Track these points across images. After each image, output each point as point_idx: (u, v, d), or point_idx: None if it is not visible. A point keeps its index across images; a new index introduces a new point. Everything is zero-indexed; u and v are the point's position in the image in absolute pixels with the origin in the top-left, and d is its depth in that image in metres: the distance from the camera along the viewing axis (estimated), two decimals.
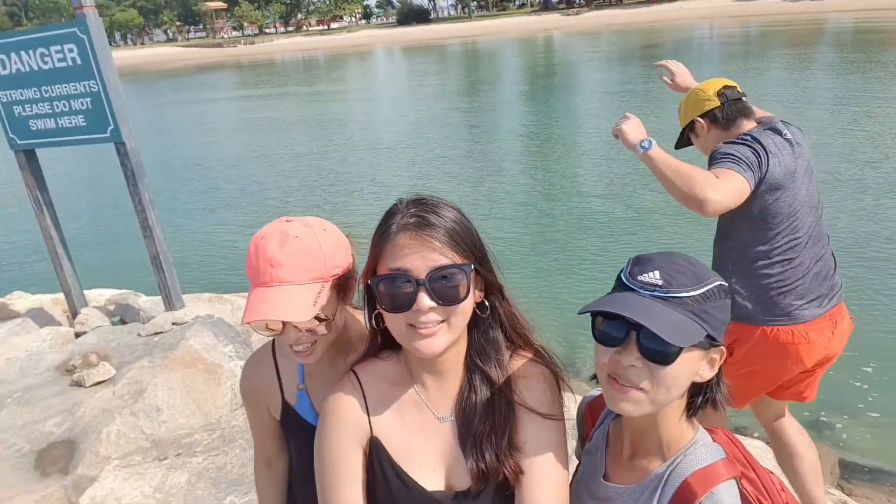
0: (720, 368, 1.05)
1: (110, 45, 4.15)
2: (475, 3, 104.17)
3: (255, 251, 1.15)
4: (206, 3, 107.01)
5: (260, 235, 1.17)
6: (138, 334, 4.39)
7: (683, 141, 2.55)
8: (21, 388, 3.73)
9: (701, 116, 2.35)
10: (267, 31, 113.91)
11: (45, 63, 4.07)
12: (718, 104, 2.30)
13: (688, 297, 0.95)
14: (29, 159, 4.50)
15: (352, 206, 10.34)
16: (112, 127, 4.11)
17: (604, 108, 16.98)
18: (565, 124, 15.56)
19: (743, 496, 1.03)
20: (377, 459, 1.13)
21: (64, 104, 4.14)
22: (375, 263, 1.08)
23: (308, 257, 1.14)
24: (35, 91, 4.18)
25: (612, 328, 0.99)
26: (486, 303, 1.13)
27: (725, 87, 2.33)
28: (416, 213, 1.05)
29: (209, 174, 13.94)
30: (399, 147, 14.66)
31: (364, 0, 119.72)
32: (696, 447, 1.05)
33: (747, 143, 2.19)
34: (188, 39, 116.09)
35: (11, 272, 8.74)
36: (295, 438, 1.37)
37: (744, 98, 2.35)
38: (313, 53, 67.48)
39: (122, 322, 4.97)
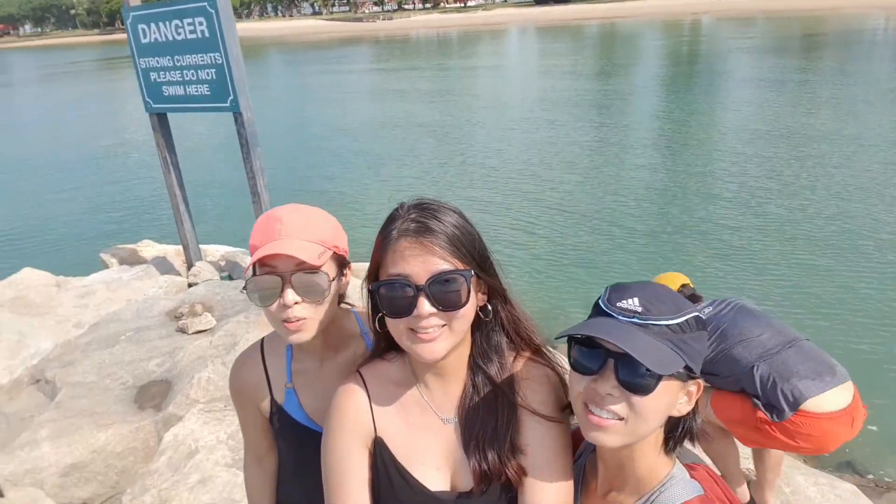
0: (697, 401, 1.01)
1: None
2: None
3: (264, 218, 1.23)
4: None
5: (271, 210, 1.25)
6: (241, 290, 4.74)
7: None
8: (134, 328, 4.16)
9: None
10: (406, 6, 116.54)
11: (179, 34, 4.43)
12: None
13: (666, 325, 0.93)
14: (161, 122, 4.96)
15: (456, 190, 10.35)
16: (232, 97, 4.41)
17: (747, 105, 15.69)
18: (701, 119, 14.57)
19: None
20: (381, 459, 1.15)
21: (192, 73, 4.50)
22: (377, 268, 1.09)
23: (314, 225, 1.21)
24: (168, 59, 4.58)
25: (588, 356, 0.96)
26: (489, 306, 1.12)
27: (683, 285, 2.95)
28: (417, 218, 1.05)
29: (326, 144, 14.54)
30: (518, 130, 14.51)
31: None
32: (673, 483, 1.00)
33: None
34: (332, 13, 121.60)
35: (145, 221, 9.75)
36: (284, 436, 1.40)
37: (695, 293, 2.91)
38: (448, 31, 68.19)
39: (230, 278, 5.38)
